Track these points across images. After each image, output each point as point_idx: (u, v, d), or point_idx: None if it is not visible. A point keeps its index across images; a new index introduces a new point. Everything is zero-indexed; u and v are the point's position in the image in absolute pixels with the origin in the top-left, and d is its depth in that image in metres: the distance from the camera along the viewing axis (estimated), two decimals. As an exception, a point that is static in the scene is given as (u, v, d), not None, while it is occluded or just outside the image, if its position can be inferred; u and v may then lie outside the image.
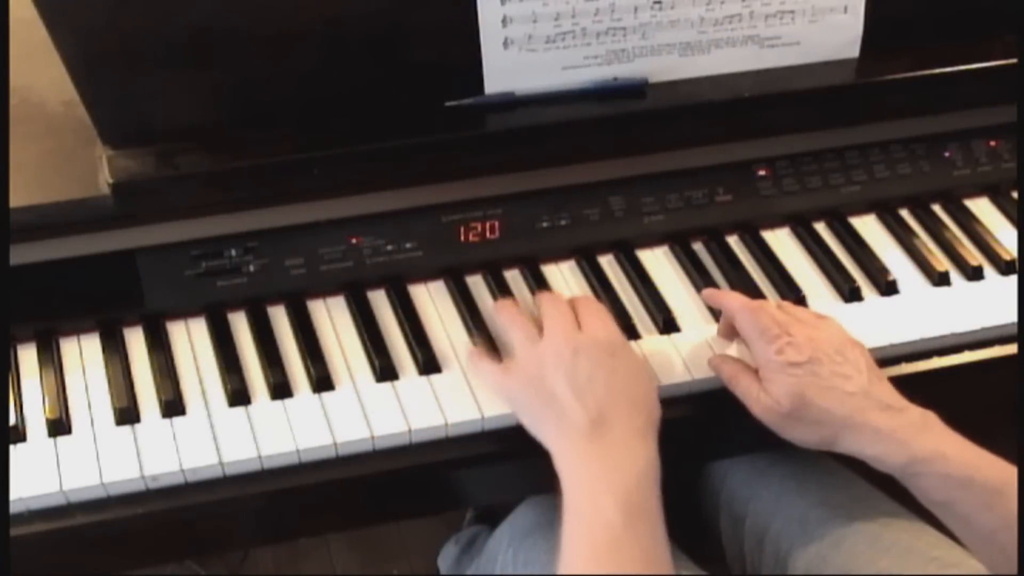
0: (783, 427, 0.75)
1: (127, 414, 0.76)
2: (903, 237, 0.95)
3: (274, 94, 0.82)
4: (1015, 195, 1.00)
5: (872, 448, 0.72)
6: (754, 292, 0.89)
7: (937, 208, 0.99)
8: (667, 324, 0.86)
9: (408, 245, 0.87)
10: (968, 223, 0.97)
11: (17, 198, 0.77)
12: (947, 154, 0.98)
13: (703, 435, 0.86)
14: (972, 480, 0.69)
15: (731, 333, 0.83)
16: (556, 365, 0.72)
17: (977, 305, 0.89)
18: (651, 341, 0.84)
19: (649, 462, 0.69)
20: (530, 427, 0.73)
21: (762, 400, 0.76)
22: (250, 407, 0.78)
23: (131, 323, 0.83)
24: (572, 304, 0.78)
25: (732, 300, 0.80)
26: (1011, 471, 0.69)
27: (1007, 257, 0.93)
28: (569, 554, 0.66)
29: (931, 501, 0.72)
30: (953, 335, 0.86)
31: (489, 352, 0.80)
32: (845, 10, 0.90)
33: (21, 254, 0.78)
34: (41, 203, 0.77)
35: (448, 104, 0.85)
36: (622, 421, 0.70)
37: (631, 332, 0.85)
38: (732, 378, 0.78)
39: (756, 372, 0.77)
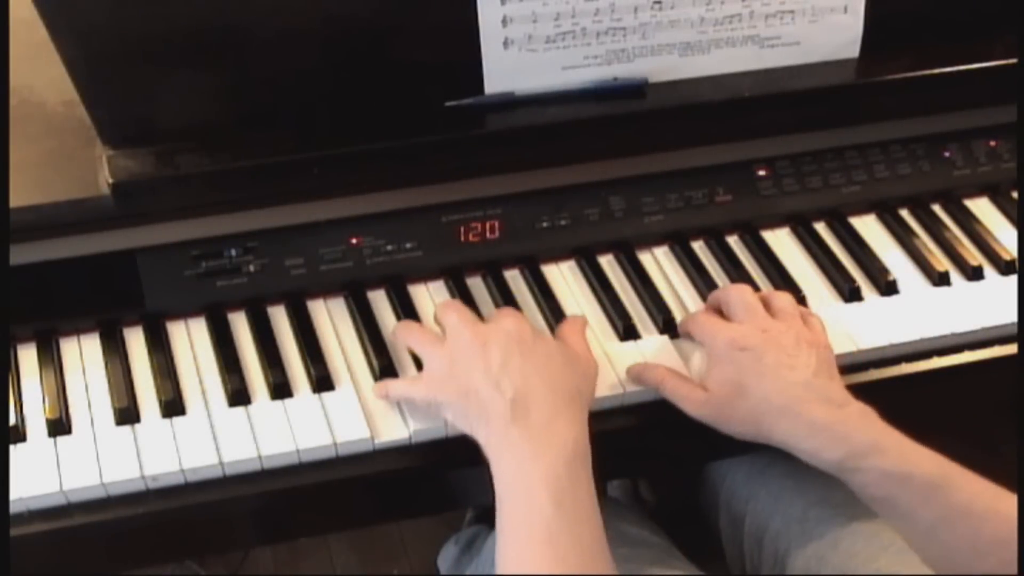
0: (719, 419, 0.75)
1: (127, 414, 0.76)
2: (903, 237, 0.95)
3: (274, 94, 0.82)
4: (1015, 195, 1.00)
5: (808, 441, 0.72)
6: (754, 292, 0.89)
7: (937, 208, 0.99)
8: (667, 324, 0.86)
9: (408, 245, 0.87)
10: (968, 223, 0.97)
11: (17, 198, 0.77)
12: (947, 154, 0.98)
13: (702, 435, 0.86)
14: (911, 475, 0.68)
15: None
16: (468, 358, 0.72)
17: (977, 305, 0.89)
18: (651, 341, 0.84)
19: (576, 444, 0.68)
20: (456, 423, 0.73)
21: (694, 395, 0.76)
22: (250, 407, 0.78)
23: (131, 323, 0.83)
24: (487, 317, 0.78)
25: (685, 322, 0.83)
26: (949, 466, 0.69)
27: (1007, 257, 0.93)
28: (506, 546, 0.66)
29: (869, 496, 0.72)
30: (953, 335, 0.86)
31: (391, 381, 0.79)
32: (845, 10, 0.90)
33: (21, 254, 0.78)
34: (41, 203, 0.77)
35: (448, 104, 0.85)
36: (542, 403, 0.69)
37: (631, 332, 0.85)
38: (661, 381, 0.78)
39: (683, 374, 0.78)
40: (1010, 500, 0.67)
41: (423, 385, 0.75)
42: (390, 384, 0.78)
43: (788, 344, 0.74)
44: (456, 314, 0.76)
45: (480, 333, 0.73)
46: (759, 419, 0.73)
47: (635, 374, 0.80)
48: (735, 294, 0.80)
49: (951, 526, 0.67)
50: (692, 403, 0.76)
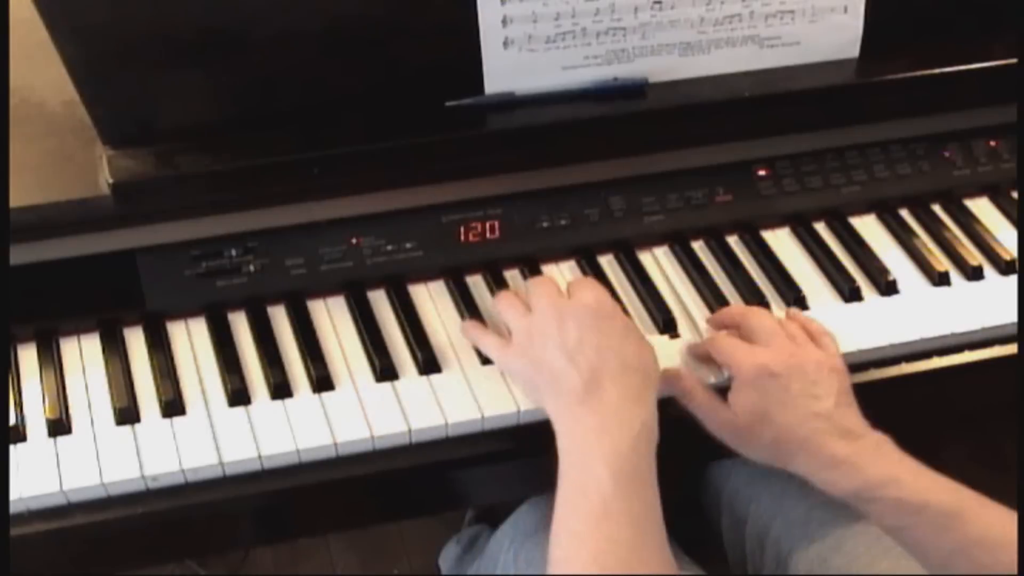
0: (739, 442, 0.75)
1: (127, 414, 0.76)
2: (903, 237, 0.95)
3: (274, 94, 0.82)
4: (1015, 195, 1.00)
5: (825, 472, 0.72)
6: (754, 292, 0.89)
7: (937, 208, 0.99)
8: (667, 324, 0.86)
9: (408, 245, 0.87)
10: (968, 223, 0.97)
11: (17, 198, 0.77)
12: (947, 154, 0.98)
13: (704, 435, 0.86)
14: (927, 504, 0.69)
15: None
16: (544, 332, 0.73)
17: (977, 305, 0.89)
18: (651, 341, 0.84)
19: (644, 425, 0.69)
20: (528, 395, 0.75)
21: (719, 415, 0.76)
22: (250, 407, 0.78)
23: (131, 323, 0.83)
24: (569, 284, 0.79)
25: (732, 309, 0.83)
26: (966, 495, 0.69)
27: (1007, 257, 0.93)
28: (562, 519, 0.66)
29: (886, 526, 0.72)
30: (953, 335, 0.86)
31: (485, 326, 0.82)
32: (845, 10, 0.90)
33: (21, 254, 0.78)
34: (41, 203, 0.77)
35: (448, 104, 0.85)
36: (615, 382, 0.70)
37: (631, 332, 0.85)
38: (687, 393, 0.78)
39: (711, 389, 0.78)
40: None
41: (504, 352, 0.77)
42: (485, 337, 0.80)
43: (812, 371, 0.74)
44: (542, 286, 0.77)
45: (558, 307, 0.74)
46: (778, 448, 0.74)
47: (666, 380, 0.80)
48: (756, 319, 0.79)
49: (967, 555, 0.67)
50: (715, 423, 0.76)
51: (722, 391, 0.77)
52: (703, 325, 0.86)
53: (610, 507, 0.64)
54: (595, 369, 0.70)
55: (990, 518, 0.68)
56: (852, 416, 0.74)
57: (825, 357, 0.77)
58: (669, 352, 0.83)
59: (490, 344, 0.79)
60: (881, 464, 0.71)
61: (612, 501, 0.64)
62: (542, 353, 0.73)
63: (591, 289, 0.76)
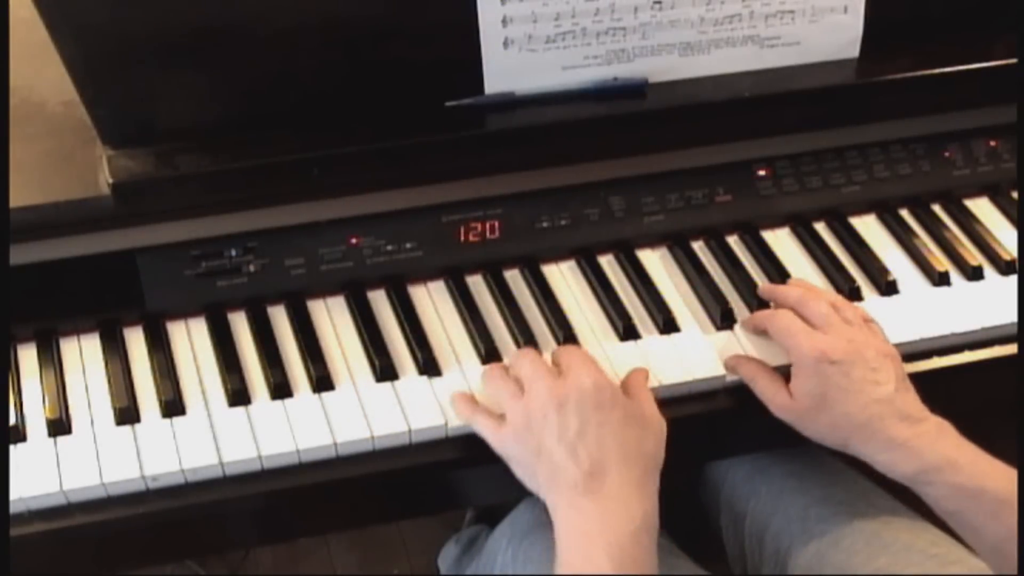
0: (799, 425, 0.76)
1: (127, 414, 0.76)
2: (903, 237, 0.95)
3: (274, 94, 0.82)
4: (1015, 195, 1.00)
5: (884, 455, 0.73)
6: (754, 292, 0.89)
7: (937, 208, 0.99)
8: (667, 324, 0.86)
9: (408, 245, 0.87)
10: (968, 223, 0.97)
11: (17, 198, 0.77)
12: (947, 154, 0.98)
13: (703, 435, 0.86)
14: (983, 489, 0.69)
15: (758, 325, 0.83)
16: (543, 420, 0.70)
17: (977, 305, 0.89)
18: (651, 341, 0.84)
19: (645, 516, 0.68)
20: (523, 479, 0.72)
21: (780, 399, 0.76)
22: (250, 407, 0.78)
23: (131, 323, 0.83)
24: (555, 353, 0.77)
25: (788, 293, 0.81)
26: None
27: (1007, 257, 0.93)
28: None
29: (942, 510, 0.72)
30: (953, 335, 0.86)
31: (477, 403, 0.77)
32: (845, 10, 0.90)
33: (21, 254, 0.78)
34: (41, 203, 0.77)
35: (448, 104, 0.85)
36: (617, 474, 0.68)
37: (631, 332, 0.85)
38: (752, 377, 0.79)
39: (774, 372, 0.78)
40: None
41: (498, 434, 0.73)
42: (478, 417, 0.75)
43: (871, 357, 0.74)
44: (530, 365, 0.74)
45: (557, 391, 0.71)
46: (837, 431, 0.74)
47: (731, 365, 0.81)
48: (814, 304, 0.79)
49: (1016, 542, 0.67)
50: (776, 406, 0.77)
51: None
52: (703, 325, 0.86)
53: None
54: (596, 461, 0.68)
55: None
56: (912, 400, 0.74)
57: (879, 343, 0.77)
58: (669, 353, 0.83)
59: (483, 425, 0.74)
60: (940, 448, 0.71)
61: None
62: (540, 442, 0.70)
63: (586, 370, 0.72)
